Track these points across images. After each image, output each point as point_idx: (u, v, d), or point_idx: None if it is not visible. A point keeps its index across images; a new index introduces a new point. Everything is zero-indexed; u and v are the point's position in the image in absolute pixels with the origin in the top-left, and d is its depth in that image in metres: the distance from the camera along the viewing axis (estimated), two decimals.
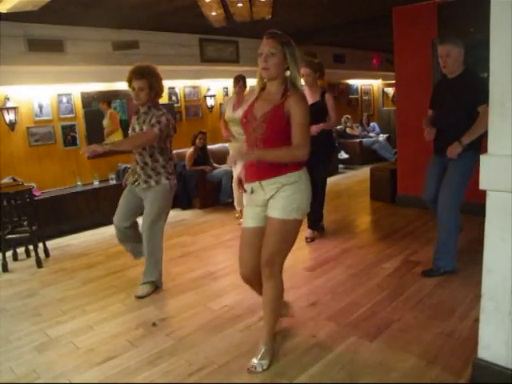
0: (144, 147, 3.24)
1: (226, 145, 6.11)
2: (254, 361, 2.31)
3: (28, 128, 5.25)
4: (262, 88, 2.27)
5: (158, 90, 3.32)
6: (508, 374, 1.94)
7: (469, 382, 2.10)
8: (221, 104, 7.18)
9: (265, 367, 2.30)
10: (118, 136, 6.57)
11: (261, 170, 2.18)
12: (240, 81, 5.07)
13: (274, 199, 2.18)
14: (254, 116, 2.21)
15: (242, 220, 5.13)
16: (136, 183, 3.32)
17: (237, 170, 5.21)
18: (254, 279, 2.35)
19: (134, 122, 3.37)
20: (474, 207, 3.52)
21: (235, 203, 5.33)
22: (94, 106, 5.89)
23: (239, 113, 5.12)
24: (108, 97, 6.13)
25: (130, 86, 3.28)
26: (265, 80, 2.24)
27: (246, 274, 2.35)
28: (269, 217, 2.20)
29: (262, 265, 2.23)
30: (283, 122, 2.12)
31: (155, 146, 3.25)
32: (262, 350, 2.33)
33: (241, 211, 5.29)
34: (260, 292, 2.38)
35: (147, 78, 3.23)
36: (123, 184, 3.52)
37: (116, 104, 6.77)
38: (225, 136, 5.14)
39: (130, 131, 3.43)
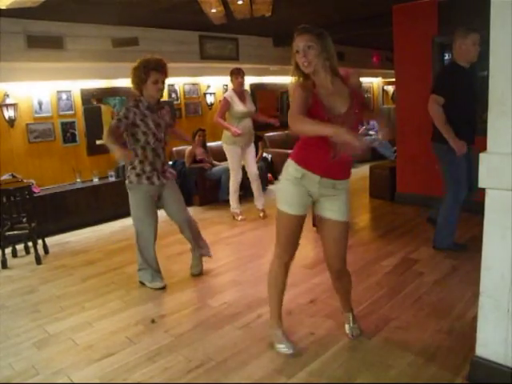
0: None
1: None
2: (348, 327, 2.55)
3: (27, 125, 5.24)
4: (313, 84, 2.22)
5: None
6: (506, 371, 1.94)
7: (466, 380, 2.11)
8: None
9: (359, 330, 2.55)
10: None
11: (334, 170, 2.22)
12: (240, 73, 5.00)
13: (333, 201, 2.27)
14: (333, 111, 2.16)
15: (241, 217, 5.16)
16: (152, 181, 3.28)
17: (238, 174, 5.19)
18: (290, 264, 2.42)
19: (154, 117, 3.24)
20: (473, 205, 3.53)
21: (234, 205, 5.31)
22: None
23: (250, 107, 5.09)
24: (108, 94, 6.12)
25: (145, 79, 3.14)
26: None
27: (287, 260, 2.39)
28: (334, 220, 2.29)
29: (336, 265, 2.37)
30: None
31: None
32: (351, 316, 2.57)
33: (240, 213, 5.31)
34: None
35: (166, 72, 3.24)
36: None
37: (116, 101, 6.76)
38: (234, 131, 4.90)
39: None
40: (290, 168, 2.27)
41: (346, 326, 2.57)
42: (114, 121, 3.18)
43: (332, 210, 2.28)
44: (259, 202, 5.29)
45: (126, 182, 3.31)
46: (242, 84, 5.05)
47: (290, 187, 2.26)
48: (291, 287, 3.26)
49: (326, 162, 2.18)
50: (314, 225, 4.36)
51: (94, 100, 5.96)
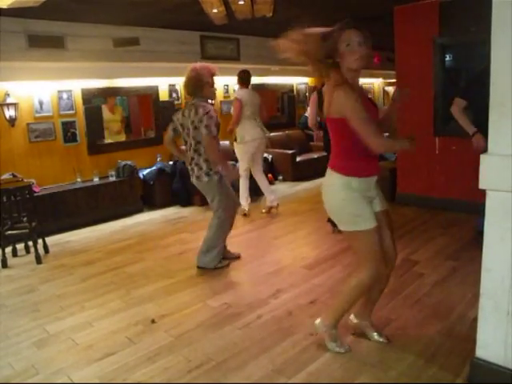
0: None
1: (226, 142, 6.12)
2: (376, 335, 2.50)
3: (28, 124, 5.24)
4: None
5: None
6: (505, 373, 1.94)
7: (466, 381, 2.11)
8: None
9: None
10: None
11: (377, 164, 2.30)
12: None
13: (377, 196, 2.33)
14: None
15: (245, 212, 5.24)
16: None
17: (243, 166, 5.28)
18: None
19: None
20: (473, 206, 3.53)
21: (242, 200, 5.33)
22: (94, 102, 5.88)
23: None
24: (108, 93, 6.12)
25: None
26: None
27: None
28: (383, 210, 2.34)
29: (394, 254, 2.35)
30: None
31: None
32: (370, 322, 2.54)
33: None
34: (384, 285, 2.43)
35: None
36: None
37: (116, 101, 6.76)
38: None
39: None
40: (353, 183, 2.18)
41: (374, 334, 2.50)
42: None
43: (378, 204, 2.32)
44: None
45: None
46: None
47: (361, 202, 2.20)
48: (291, 288, 3.27)
49: (372, 161, 2.26)
50: (328, 220, 4.27)
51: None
